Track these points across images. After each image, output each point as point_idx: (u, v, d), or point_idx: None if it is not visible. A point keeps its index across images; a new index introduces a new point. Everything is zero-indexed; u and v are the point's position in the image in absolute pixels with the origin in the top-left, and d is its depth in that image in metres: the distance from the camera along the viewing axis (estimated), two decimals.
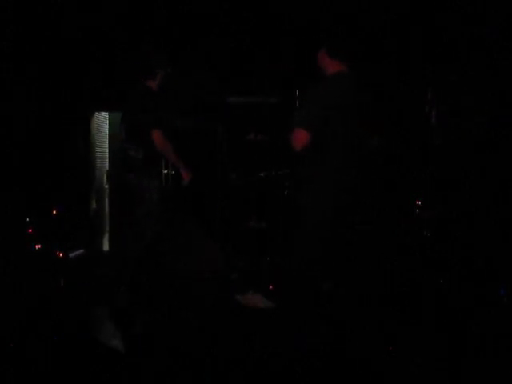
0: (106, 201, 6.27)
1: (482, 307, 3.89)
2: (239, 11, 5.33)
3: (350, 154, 3.20)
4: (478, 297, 3.97)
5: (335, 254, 3.26)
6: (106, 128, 6.28)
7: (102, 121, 6.20)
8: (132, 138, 4.17)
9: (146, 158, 4.16)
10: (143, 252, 4.15)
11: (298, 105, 5.02)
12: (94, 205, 6.00)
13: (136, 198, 4.20)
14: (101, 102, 5.79)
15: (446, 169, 4.63)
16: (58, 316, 3.97)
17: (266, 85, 5.52)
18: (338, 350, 3.25)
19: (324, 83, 3.22)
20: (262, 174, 5.45)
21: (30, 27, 4.91)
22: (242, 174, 5.53)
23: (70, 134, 5.56)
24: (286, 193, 5.17)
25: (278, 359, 3.21)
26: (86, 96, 5.56)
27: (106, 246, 6.24)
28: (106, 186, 6.24)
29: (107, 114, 6.23)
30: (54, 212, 5.08)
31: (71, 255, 5.27)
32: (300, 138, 3.12)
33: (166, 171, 5.51)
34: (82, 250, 5.58)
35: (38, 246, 4.78)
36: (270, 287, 4.62)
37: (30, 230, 4.80)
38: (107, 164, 6.29)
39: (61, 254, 4.99)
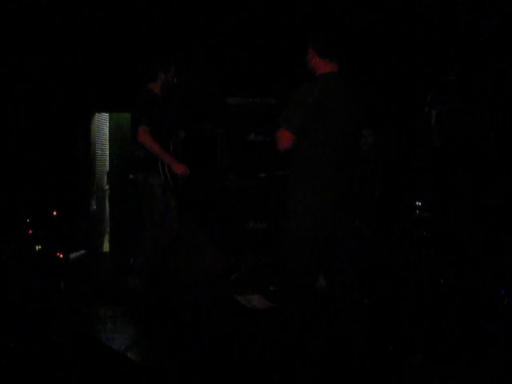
0: (107, 202, 6.28)
1: (482, 307, 3.88)
2: (239, 11, 5.34)
3: (338, 155, 3.12)
4: (478, 297, 3.97)
5: (326, 255, 3.22)
6: (107, 129, 6.28)
7: (103, 122, 6.21)
8: (134, 138, 4.26)
9: (146, 155, 4.24)
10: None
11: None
12: (94, 206, 6.00)
13: (143, 197, 4.34)
14: (101, 102, 5.80)
15: (446, 169, 4.63)
16: (58, 316, 3.97)
17: (266, 86, 5.53)
18: (338, 350, 3.25)
19: (311, 83, 3.13)
20: (261, 175, 5.46)
21: (31, 27, 4.93)
22: (242, 175, 5.53)
23: (70, 135, 5.56)
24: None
25: (278, 359, 3.21)
26: (86, 97, 5.57)
27: (106, 247, 6.24)
28: (107, 187, 6.24)
29: (107, 114, 6.24)
30: (55, 213, 5.08)
31: (71, 256, 5.27)
32: (284, 138, 3.05)
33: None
34: (82, 251, 5.58)
35: (38, 247, 4.78)
36: (270, 288, 4.63)
37: (31, 231, 4.81)
38: (107, 165, 6.30)
39: (61, 255, 4.99)
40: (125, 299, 4.44)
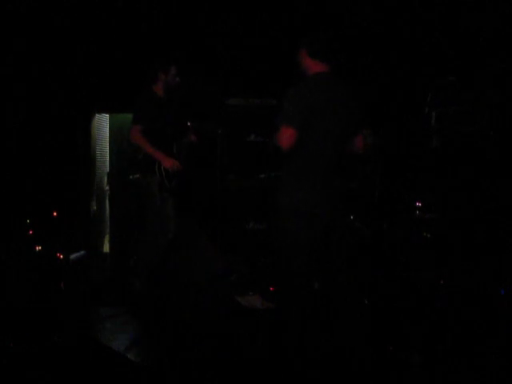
0: (107, 202, 6.28)
1: (482, 307, 3.88)
2: (239, 12, 5.34)
3: (330, 154, 3.13)
4: (478, 297, 3.97)
5: (322, 255, 3.22)
6: (107, 129, 6.28)
7: (103, 122, 6.21)
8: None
9: (145, 155, 4.30)
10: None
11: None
12: (94, 206, 6.00)
13: (142, 197, 4.41)
14: (101, 103, 5.80)
15: (446, 169, 4.63)
16: (57, 316, 3.97)
17: (266, 86, 5.53)
18: (338, 350, 3.25)
19: (304, 83, 3.16)
20: (261, 176, 5.46)
21: (31, 27, 4.93)
22: (242, 175, 5.53)
23: (70, 136, 5.56)
24: None
25: (278, 359, 3.21)
26: (86, 97, 5.57)
27: (106, 248, 6.24)
28: (107, 188, 6.24)
29: (107, 115, 6.24)
30: (55, 213, 5.09)
31: (72, 257, 5.27)
32: (288, 135, 3.03)
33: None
34: (82, 252, 5.58)
35: (38, 248, 4.79)
36: (270, 288, 4.62)
37: (31, 232, 4.81)
38: (108, 165, 6.30)
39: (61, 256, 4.99)
40: (125, 299, 4.45)
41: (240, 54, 5.48)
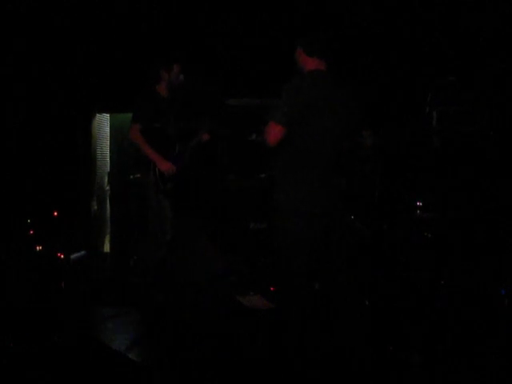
0: (107, 202, 6.28)
1: (482, 307, 3.88)
2: (239, 12, 5.34)
3: (326, 152, 3.12)
4: (478, 297, 3.97)
5: (322, 255, 3.22)
6: (107, 129, 6.29)
7: (103, 122, 6.22)
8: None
9: (143, 155, 4.29)
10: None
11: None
12: (94, 206, 6.01)
13: (142, 197, 4.39)
14: (102, 103, 5.81)
15: (446, 169, 4.63)
16: (58, 316, 3.97)
17: (266, 86, 5.53)
18: (338, 350, 3.25)
19: (299, 79, 3.14)
20: (261, 175, 5.46)
21: (31, 27, 4.93)
22: (242, 175, 5.53)
23: (70, 135, 5.57)
24: None
25: (278, 359, 3.21)
26: (86, 97, 5.58)
27: (106, 248, 6.25)
28: (107, 188, 6.25)
29: (108, 115, 6.25)
30: (55, 213, 5.09)
31: (72, 256, 5.27)
32: (274, 132, 3.04)
33: None
34: (82, 252, 5.58)
35: (39, 248, 4.79)
36: (271, 288, 4.62)
37: (32, 232, 4.81)
38: (108, 165, 6.30)
39: (62, 256, 4.99)
40: (125, 299, 4.45)
41: (240, 53, 5.48)
